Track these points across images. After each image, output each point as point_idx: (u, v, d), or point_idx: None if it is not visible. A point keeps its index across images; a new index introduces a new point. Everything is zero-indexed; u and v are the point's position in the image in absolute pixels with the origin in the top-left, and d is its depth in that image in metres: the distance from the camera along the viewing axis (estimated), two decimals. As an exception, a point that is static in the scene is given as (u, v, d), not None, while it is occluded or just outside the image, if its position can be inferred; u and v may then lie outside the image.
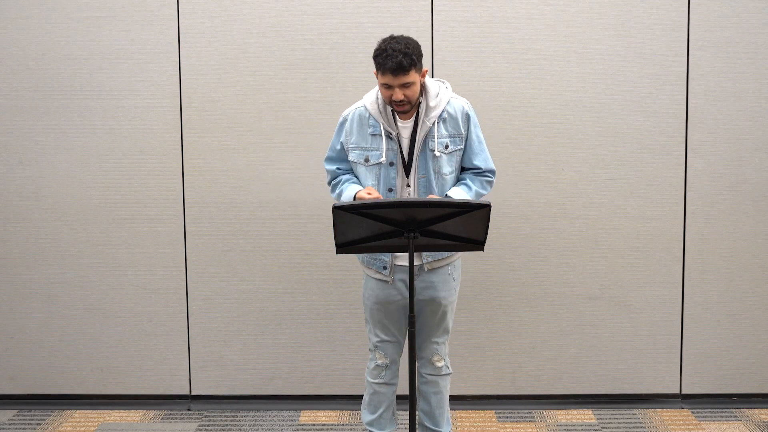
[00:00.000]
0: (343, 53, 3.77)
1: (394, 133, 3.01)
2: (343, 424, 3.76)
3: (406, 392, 3.01)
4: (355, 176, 3.12)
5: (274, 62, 3.79)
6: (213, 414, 3.86)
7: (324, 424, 3.76)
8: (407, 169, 3.03)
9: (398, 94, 2.90)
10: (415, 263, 2.98)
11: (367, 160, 3.04)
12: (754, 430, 3.64)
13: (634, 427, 3.69)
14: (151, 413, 3.88)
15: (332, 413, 3.86)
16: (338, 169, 3.15)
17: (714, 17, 3.74)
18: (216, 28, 3.78)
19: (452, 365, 3.30)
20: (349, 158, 3.10)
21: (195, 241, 3.87)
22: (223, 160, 3.83)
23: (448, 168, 3.04)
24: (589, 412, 3.85)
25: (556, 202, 3.82)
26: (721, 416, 3.79)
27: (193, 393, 3.96)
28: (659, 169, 3.80)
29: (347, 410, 3.88)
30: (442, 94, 3.03)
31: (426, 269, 3.09)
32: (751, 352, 3.90)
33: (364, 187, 3.03)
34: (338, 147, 3.12)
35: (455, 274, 3.16)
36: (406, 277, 3.08)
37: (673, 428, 3.68)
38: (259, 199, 3.84)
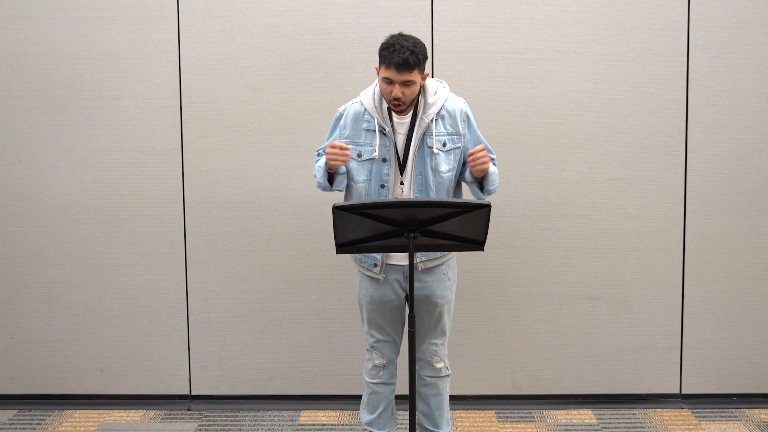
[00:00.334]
0: (343, 53, 3.77)
1: (387, 129, 3.00)
2: (342, 424, 3.76)
3: (406, 392, 3.01)
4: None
5: (274, 62, 3.79)
6: (213, 414, 3.86)
7: (324, 424, 3.76)
8: (402, 166, 3.03)
9: (398, 91, 2.90)
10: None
11: (359, 155, 3.03)
12: (754, 430, 3.64)
13: (634, 427, 3.69)
14: (151, 413, 3.88)
15: (332, 413, 3.86)
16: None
17: (714, 17, 3.74)
18: (216, 28, 3.78)
19: (452, 365, 3.30)
20: None
21: (195, 241, 3.87)
22: (223, 160, 3.83)
23: (446, 166, 3.03)
24: (589, 412, 3.85)
25: (556, 202, 3.82)
26: (721, 416, 3.79)
27: (193, 393, 3.96)
28: (659, 169, 3.80)
29: (347, 410, 3.88)
30: (440, 92, 3.04)
31: (420, 269, 3.07)
32: (751, 352, 3.89)
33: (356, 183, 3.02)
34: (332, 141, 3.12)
35: (450, 274, 3.16)
36: (400, 277, 3.08)
37: (673, 428, 3.67)
38: (259, 199, 3.84)
